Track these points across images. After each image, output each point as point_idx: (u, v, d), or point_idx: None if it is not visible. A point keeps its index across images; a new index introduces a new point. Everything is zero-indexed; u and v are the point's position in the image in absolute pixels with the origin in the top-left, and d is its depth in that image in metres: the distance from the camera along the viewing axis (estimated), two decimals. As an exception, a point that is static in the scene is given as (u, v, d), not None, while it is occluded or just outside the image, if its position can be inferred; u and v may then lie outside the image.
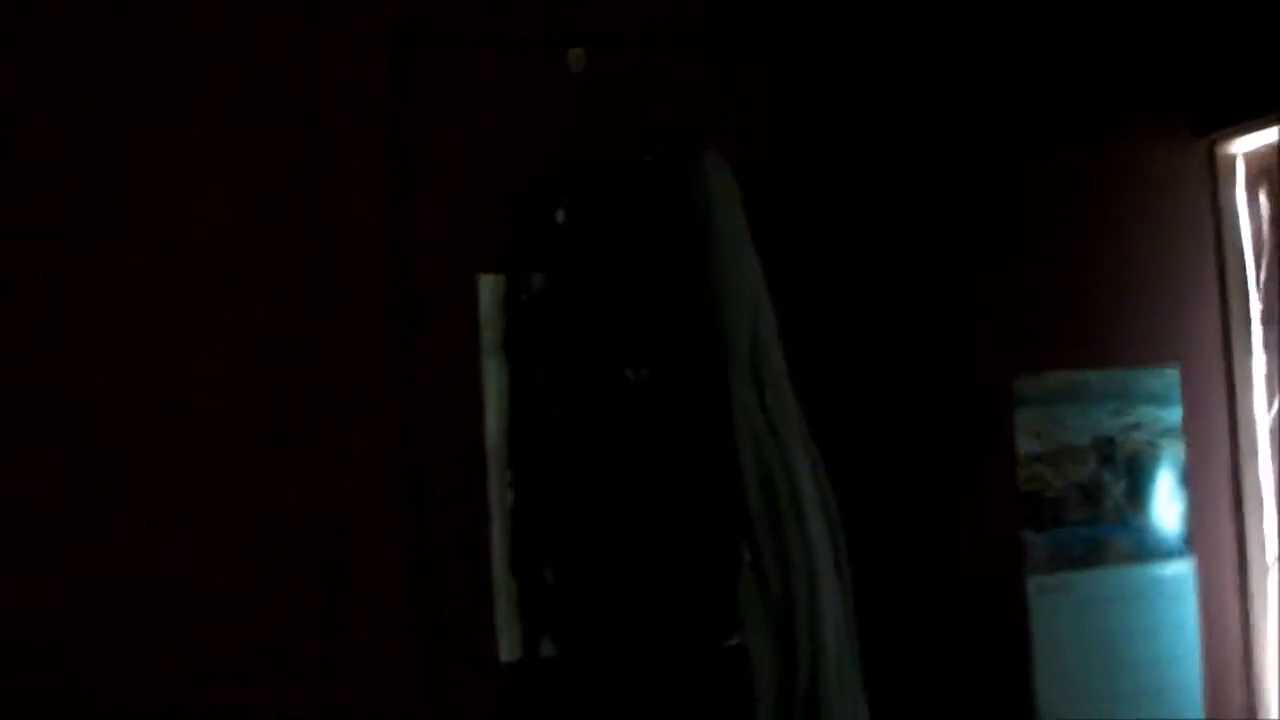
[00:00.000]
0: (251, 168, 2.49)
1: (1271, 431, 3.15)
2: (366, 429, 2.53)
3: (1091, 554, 2.97)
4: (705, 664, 2.62)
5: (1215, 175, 3.17)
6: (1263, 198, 3.18)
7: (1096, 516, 2.98)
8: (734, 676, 2.62)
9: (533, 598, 2.60)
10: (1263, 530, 3.14)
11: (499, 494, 2.59)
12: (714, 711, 2.61)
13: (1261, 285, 3.17)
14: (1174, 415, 3.07)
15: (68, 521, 2.34)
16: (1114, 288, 3.06)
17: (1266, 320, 3.16)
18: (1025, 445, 2.94)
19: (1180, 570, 3.05)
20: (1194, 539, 3.08)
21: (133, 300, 2.40)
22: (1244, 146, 3.17)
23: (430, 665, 2.55)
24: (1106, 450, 2.99)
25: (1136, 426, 3.02)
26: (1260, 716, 3.11)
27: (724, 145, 2.56)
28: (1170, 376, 3.08)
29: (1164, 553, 3.04)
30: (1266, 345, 3.16)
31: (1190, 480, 3.08)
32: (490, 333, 2.61)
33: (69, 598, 2.33)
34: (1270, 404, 3.16)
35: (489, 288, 2.60)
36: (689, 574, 2.60)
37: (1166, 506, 3.05)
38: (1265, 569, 3.14)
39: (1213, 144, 3.17)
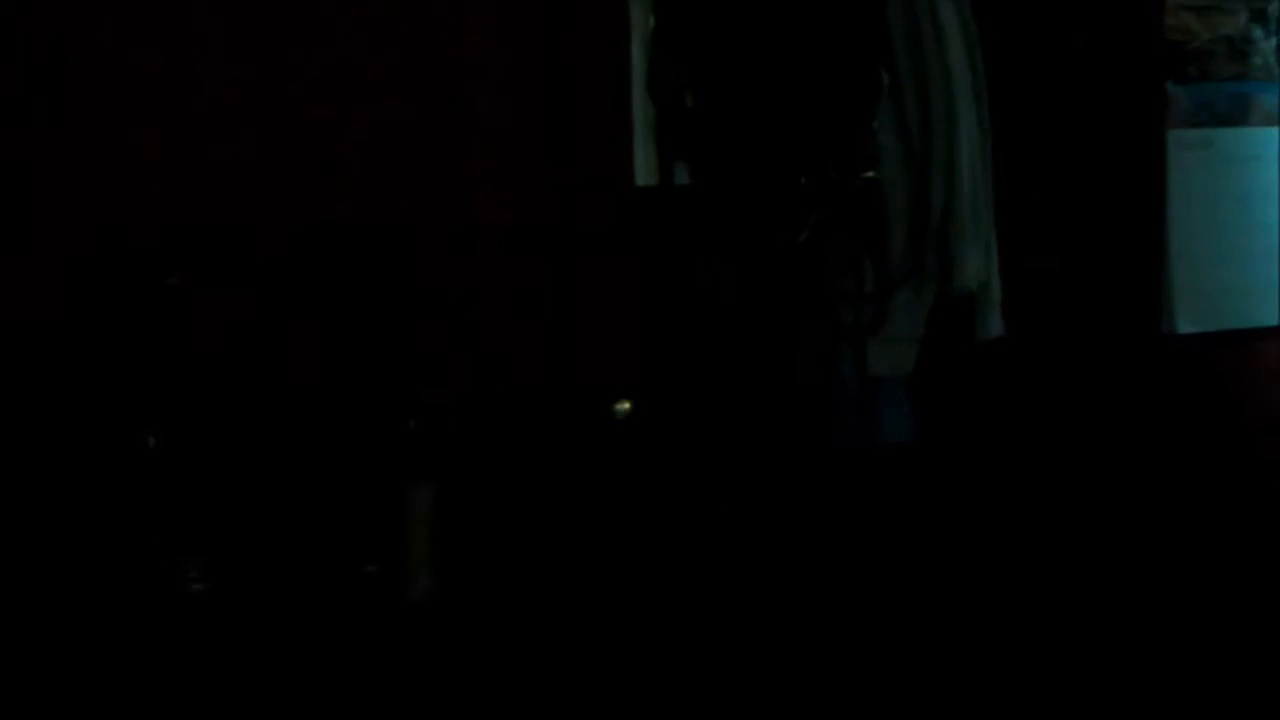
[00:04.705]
0: None
1: None
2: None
3: (1235, 112, 2.91)
4: (839, 192, 2.63)
5: None
6: None
7: (1244, 74, 2.91)
8: (869, 206, 2.65)
9: (671, 122, 2.60)
10: None
11: (640, 15, 2.56)
12: (849, 239, 2.64)
13: None
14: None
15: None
16: None
17: None
18: (1174, -7, 2.86)
19: (1326, 136, 2.99)
20: (1343, 104, 3.00)
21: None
22: None
23: (564, 188, 2.57)
24: (1259, 3, 2.89)
25: (1294, -17, 2.92)
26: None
27: None
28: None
29: (1310, 117, 2.98)
30: None
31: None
32: None
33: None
34: None
35: None
36: (828, 99, 2.59)
37: (1319, 69, 2.97)
38: None
39: None
